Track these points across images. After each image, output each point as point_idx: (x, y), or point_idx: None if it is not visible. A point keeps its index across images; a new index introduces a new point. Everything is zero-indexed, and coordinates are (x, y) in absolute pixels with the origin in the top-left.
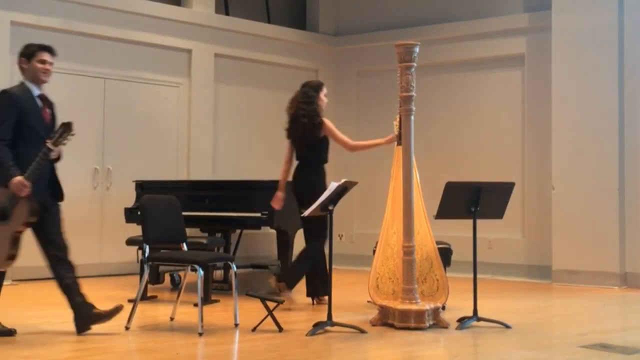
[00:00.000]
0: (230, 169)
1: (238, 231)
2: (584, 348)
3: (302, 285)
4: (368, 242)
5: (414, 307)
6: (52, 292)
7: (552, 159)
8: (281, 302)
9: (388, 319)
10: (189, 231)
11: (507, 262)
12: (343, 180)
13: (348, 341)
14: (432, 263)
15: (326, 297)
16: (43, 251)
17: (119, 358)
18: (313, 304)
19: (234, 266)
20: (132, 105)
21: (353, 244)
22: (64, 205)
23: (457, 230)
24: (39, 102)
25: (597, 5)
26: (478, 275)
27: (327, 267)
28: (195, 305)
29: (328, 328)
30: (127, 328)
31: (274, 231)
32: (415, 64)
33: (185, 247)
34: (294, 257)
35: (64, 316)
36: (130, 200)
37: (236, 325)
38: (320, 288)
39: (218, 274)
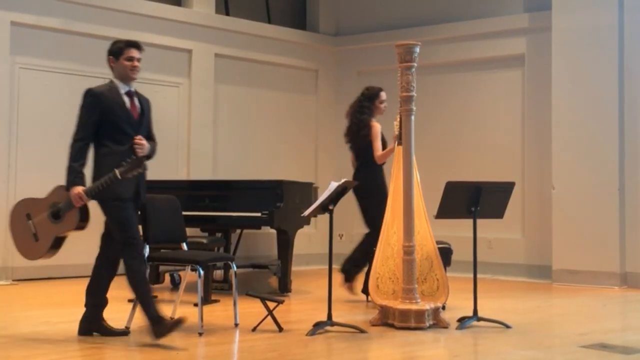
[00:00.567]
0: (230, 169)
1: (238, 231)
2: (584, 348)
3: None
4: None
5: (414, 307)
6: (52, 292)
7: (552, 158)
8: (281, 302)
9: (388, 319)
10: (189, 231)
11: (507, 261)
12: (343, 180)
13: (348, 341)
14: (432, 263)
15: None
16: (104, 243)
17: (119, 358)
18: (367, 301)
19: (234, 266)
20: None
21: (353, 243)
22: None
23: (457, 230)
24: (126, 99)
25: (597, 5)
26: (478, 275)
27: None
28: (195, 305)
29: (328, 328)
30: (127, 328)
31: (274, 231)
32: (415, 64)
33: (185, 247)
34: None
35: (64, 316)
36: None
37: (236, 325)
38: None
39: (218, 274)
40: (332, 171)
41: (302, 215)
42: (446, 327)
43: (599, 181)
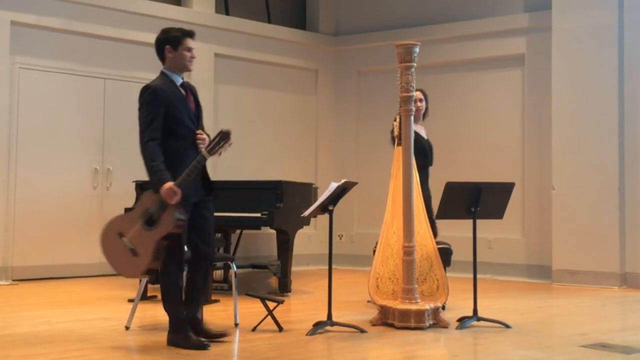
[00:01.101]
0: (230, 169)
1: (238, 231)
2: (584, 348)
3: None
4: (368, 242)
5: (414, 307)
6: (52, 292)
7: (552, 158)
8: (281, 302)
9: (388, 319)
10: None
11: (507, 262)
12: (343, 181)
13: (348, 341)
14: (432, 263)
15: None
16: (190, 245)
17: (119, 358)
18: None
19: (234, 266)
20: (132, 105)
21: (353, 244)
22: (64, 205)
23: (457, 230)
24: (182, 91)
25: (597, 5)
26: (478, 275)
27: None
28: None
29: (328, 328)
30: (127, 327)
31: (273, 231)
32: (415, 64)
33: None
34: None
35: (63, 316)
36: (130, 200)
37: (236, 325)
38: None
39: (218, 273)
40: (332, 171)
41: (302, 215)
42: (446, 327)
43: (599, 181)
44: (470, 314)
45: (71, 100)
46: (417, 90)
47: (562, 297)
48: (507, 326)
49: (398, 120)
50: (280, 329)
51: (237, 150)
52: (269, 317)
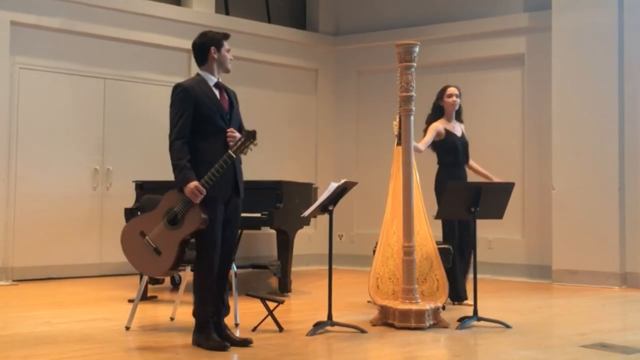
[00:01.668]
0: None
1: (238, 231)
2: (584, 348)
3: None
4: (368, 242)
5: (414, 307)
6: (52, 292)
7: (552, 158)
8: (281, 302)
9: (388, 319)
10: None
11: (507, 262)
12: (343, 181)
13: (348, 341)
14: (432, 263)
15: (466, 302)
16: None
17: (119, 358)
18: (453, 304)
19: (234, 266)
20: (132, 105)
21: (353, 244)
22: (64, 205)
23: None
24: (216, 90)
25: (597, 5)
26: (478, 275)
27: (465, 271)
28: None
29: (328, 328)
30: (127, 328)
31: (273, 231)
32: (415, 64)
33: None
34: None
35: (64, 316)
36: (130, 200)
37: (236, 325)
38: (459, 292)
39: None
40: (332, 171)
41: (302, 215)
42: (446, 327)
43: (599, 181)
44: (471, 314)
45: (71, 100)
46: (453, 86)
47: (562, 297)
48: (508, 326)
49: (398, 120)
50: (281, 329)
51: None
52: (269, 317)
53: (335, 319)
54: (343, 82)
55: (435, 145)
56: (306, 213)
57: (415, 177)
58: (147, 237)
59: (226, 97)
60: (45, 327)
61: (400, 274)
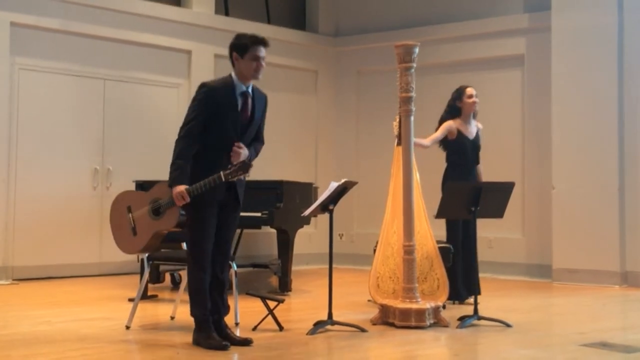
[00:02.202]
0: None
1: (238, 231)
2: (584, 347)
3: None
4: (368, 241)
5: (414, 306)
6: (52, 291)
7: (552, 158)
8: (281, 301)
9: (389, 318)
10: None
11: (507, 261)
12: (343, 180)
13: (349, 340)
14: (433, 262)
15: (468, 300)
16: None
17: (119, 357)
18: (453, 303)
19: (234, 265)
20: (132, 106)
21: (353, 243)
22: (64, 205)
23: None
24: (240, 99)
25: (597, 5)
26: (479, 274)
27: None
28: None
29: (329, 327)
30: (127, 327)
31: (274, 231)
32: (414, 65)
33: (185, 247)
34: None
35: (64, 316)
36: None
37: (236, 324)
38: (460, 291)
39: None
40: (332, 171)
41: (302, 215)
42: (447, 326)
43: (599, 181)
44: (471, 313)
45: (71, 101)
46: (470, 86)
47: (563, 296)
48: (508, 325)
49: (398, 120)
50: (281, 328)
51: None
52: (270, 316)
53: (335, 318)
54: (343, 82)
55: (444, 143)
56: (306, 212)
57: (416, 176)
58: (131, 214)
59: (249, 107)
60: (45, 326)
61: (401, 273)
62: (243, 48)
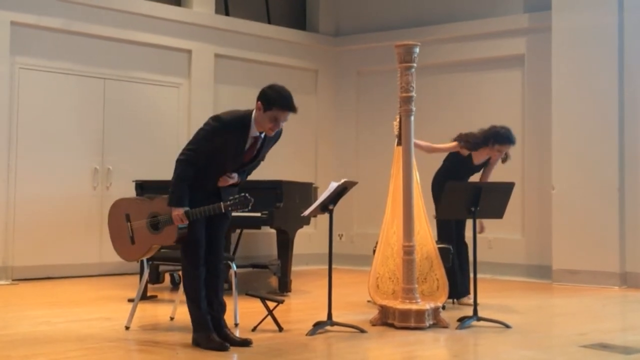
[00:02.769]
0: None
1: (238, 231)
2: (584, 348)
3: None
4: (368, 242)
5: (414, 306)
6: (52, 292)
7: (552, 158)
8: (281, 301)
9: (388, 319)
10: None
11: (507, 261)
12: (343, 180)
13: (348, 341)
14: (432, 263)
15: (465, 299)
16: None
17: (119, 358)
18: (453, 303)
19: (234, 266)
20: (132, 105)
21: (353, 243)
22: (64, 205)
23: None
24: (249, 142)
25: (597, 5)
26: (478, 275)
27: (461, 268)
28: None
29: (328, 328)
30: (127, 327)
31: (273, 231)
32: (415, 65)
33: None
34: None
35: (64, 316)
36: None
37: (236, 324)
38: (460, 289)
39: None
40: (332, 171)
41: (302, 215)
42: (446, 327)
43: (599, 181)
44: (470, 313)
45: (71, 101)
46: (512, 145)
47: (562, 297)
48: (507, 326)
49: (398, 120)
50: (280, 328)
51: None
52: (269, 317)
53: (335, 318)
54: (343, 82)
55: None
56: (306, 212)
57: (416, 177)
58: (129, 223)
59: (256, 149)
60: (45, 326)
61: (400, 273)
62: (269, 103)
